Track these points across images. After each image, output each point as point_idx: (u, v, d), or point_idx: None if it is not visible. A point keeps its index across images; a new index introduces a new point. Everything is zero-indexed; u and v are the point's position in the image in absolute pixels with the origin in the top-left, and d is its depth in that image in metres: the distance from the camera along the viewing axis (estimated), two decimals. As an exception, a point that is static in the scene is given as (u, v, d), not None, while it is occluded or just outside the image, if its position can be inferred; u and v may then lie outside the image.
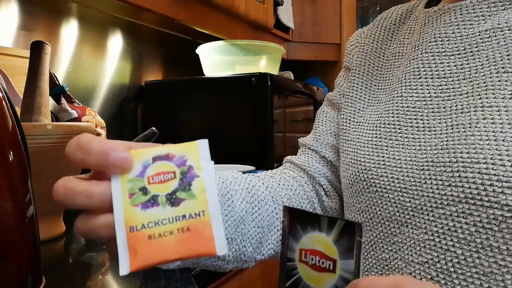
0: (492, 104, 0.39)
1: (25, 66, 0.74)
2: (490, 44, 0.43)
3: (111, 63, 1.25)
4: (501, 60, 0.41)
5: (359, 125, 0.53)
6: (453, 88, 0.44)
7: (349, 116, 0.55)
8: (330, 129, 0.60)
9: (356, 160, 0.50)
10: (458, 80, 0.44)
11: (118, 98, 1.28)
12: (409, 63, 0.49)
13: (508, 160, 0.36)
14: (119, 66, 1.28)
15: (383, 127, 0.48)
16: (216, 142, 1.19)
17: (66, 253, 0.64)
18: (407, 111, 0.46)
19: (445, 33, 0.47)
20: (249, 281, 0.71)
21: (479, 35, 0.44)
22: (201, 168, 0.28)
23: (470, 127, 0.40)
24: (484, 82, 0.41)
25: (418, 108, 0.45)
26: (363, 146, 0.50)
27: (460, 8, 0.46)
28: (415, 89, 0.47)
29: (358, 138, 0.51)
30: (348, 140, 0.53)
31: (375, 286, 0.25)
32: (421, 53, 0.48)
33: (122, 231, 0.27)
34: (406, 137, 0.45)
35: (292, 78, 1.75)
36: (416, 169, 0.42)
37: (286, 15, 1.82)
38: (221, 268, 0.45)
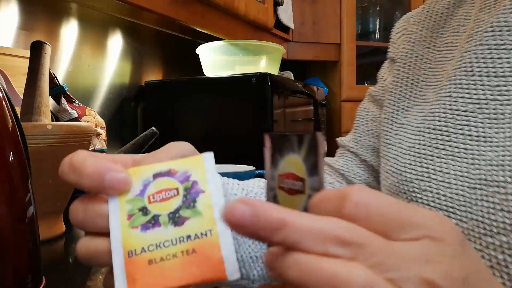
0: None
1: (25, 66, 0.74)
2: None
3: (111, 63, 1.25)
4: None
5: (402, 127, 0.46)
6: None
7: (391, 116, 0.48)
8: (371, 129, 0.54)
9: (397, 168, 0.43)
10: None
11: (118, 98, 1.28)
12: (461, 57, 0.41)
13: None
14: (119, 66, 1.28)
15: (428, 132, 0.41)
16: (216, 142, 1.19)
17: (66, 253, 0.64)
18: (456, 115, 0.39)
19: (504, 21, 0.38)
20: (249, 281, 0.71)
21: None
22: (207, 181, 0.26)
23: None
24: None
25: (471, 112, 0.38)
26: (405, 153, 0.42)
27: None
28: (467, 88, 0.39)
29: (400, 143, 0.44)
30: (389, 144, 0.47)
31: (326, 197, 0.21)
32: (475, 45, 0.40)
33: (119, 256, 0.25)
34: (456, 147, 0.38)
35: (292, 78, 1.75)
36: (468, 187, 0.35)
37: (286, 15, 1.82)
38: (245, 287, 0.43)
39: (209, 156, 0.27)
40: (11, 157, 0.35)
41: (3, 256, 0.34)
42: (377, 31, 2.18)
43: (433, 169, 0.39)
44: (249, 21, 1.45)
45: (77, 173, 0.26)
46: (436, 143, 0.40)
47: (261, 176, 0.73)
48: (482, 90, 0.38)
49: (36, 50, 0.72)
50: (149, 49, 1.40)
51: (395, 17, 2.19)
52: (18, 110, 0.72)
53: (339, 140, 0.57)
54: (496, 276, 0.32)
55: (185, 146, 0.29)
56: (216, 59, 1.33)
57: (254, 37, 1.54)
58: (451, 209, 0.36)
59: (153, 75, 1.42)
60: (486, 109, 0.37)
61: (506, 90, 0.36)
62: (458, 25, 0.45)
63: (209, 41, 1.30)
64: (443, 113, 0.40)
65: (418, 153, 0.41)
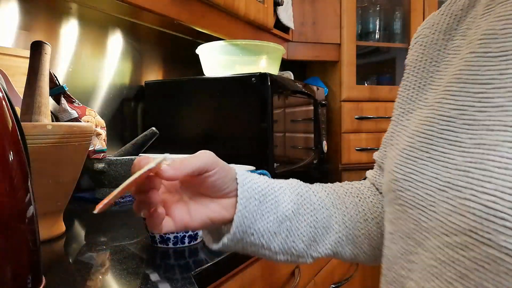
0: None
1: (25, 66, 0.74)
2: None
3: (111, 63, 1.25)
4: None
5: (403, 129, 0.48)
6: (489, 98, 0.36)
7: (397, 118, 0.50)
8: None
9: (390, 168, 0.45)
10: (496, 88, 0.36)
11: (118, 98, 1.28)
12: (458, 63, 0.42)
13: None
14: (119, 66, 1.28)
15: (418, 136, 0.43)
16: (216, 142, 1.19)
17: (66, 253, 0.64)
18: (441, 120, 0.40)
19: (492, 29, 0.39)
20: (249, 281, 0.71)
21: None
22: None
23: (491, 149, 0.34)
24: None
25: (453, 117, 0.39)
26: (398, 154, 0.45)
27: None
28: (453, 95, 0.40)
29: (398, 144, 0.46)
30: (391, 144, 0.49)
31: None
32: (467, 52, 0.41)
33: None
34: (436, 151, 0.39)
35: (292, 78, 1.75)
36: (437, 188, 0.37)
37: (286, 15, 1.82)
38: (271, 258, 0.51)
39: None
40: (11, 157, 0.35)
41: (4, 256, 0.34)
42: (377, 31, 2.18)
43: (415, 170, 0.41)
44: (249, 21, 1.45)
45: None
46: (422, 146, 0.41)
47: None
48: (466, 97, 0.39)
49: (36, 50, 0.72)
50: (149, 49, 1.40)
51: (395, 17, 2.19)
52: (18, 110, 0.72)
53: (373, 155, 0.62)
54: (451, 273, 0.35)
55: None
56: (216, 59, 1.34)
57: (254, 37, 1.54)
58: (423, 208, 0.39)
59: (153, 75, 1.42)
60: (465, 115, 0.38)
61: (485, 97, 0.37)
62: (467, 28, 0.45)
63: (209, 41, 1.30)
64: (432, 117, 0.42)
65: (407, 154, 0.43)
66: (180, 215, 0.45)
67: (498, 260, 0.31)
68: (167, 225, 0.44)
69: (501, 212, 0.31)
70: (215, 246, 0.48)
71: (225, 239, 0.47)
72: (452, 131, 0.38)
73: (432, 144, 0.40)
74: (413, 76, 0.49)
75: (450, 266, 0.35)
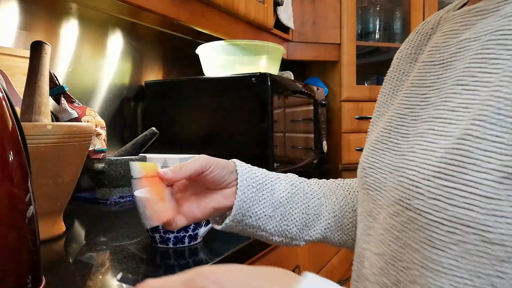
0: (439, 116, 0.41)
1: (25, 66, 0.74)
2: (462, 55, 0.42)
3: (111, 63, 1.25)
4: (460, 71, 0.41)
5: (376, 128, 0.55)
6: (429, 97, 0.45)
7: (374, 120, 0.58)
8: None
9: (362, 160, 0.54)
10: (434, 90, 0.45)
11: (118, 98, 1.28)
12: (415, 71, 0.50)
13: (431, 170, 0.38)
14: (119, 66, 1.28)
15: (382, 132, 0.51)
16: (216, 142, 1.19)
17: (66, 253, 0.64)
18: (398, 117, 0.49)
19: (435, 42, 0.48)
20: (249, 281, 0.72)
21: (458, 44, 0.44)
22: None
23: (420, 136, 0.42)
24: (445, 94, 0.42)
25: (405, 115, 0.48)
26: (368, 147, 0.53)
27: (453, 17, 0.47)
28: (407, 97, 0.49)
29: (369, 140, 0.55)
30: (367, 141, 0.57)
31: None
32: (421, 61, 0.49)
33: None
34: (391, 142, 0.48)
35: (292, 78, 1.75)
36: (389, 172, 0.46)
37: (286, 15, 1.82)
38: (267, 239, 0.59)
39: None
40: (11, 157, 0.35)
41: (3, 256, 0.34)
42: (377, 31, 2.18)
43: (377, 159, 0.50)
44: (249, 21, 1.45)
45: None
46: (383, 139, 0.50)
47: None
48: (415, 97, 0.47)
49: (36, 50, 0.72)
50: (149, 49, 1.40)
51: (395, 17, 2.19)
52: (18, 110, 0.72)
53: None
54: (390, 236, 0.43)
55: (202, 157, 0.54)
56: (216, 59, 1.34)
57: (254, 37, 1.54)
58: (378, 189, 0.48)
59: (153, 75, 1.42)
60: (413, 112, 0.47)
61: (427, 97, 0.45)
62: (434, 43, 0.52)
63: (209, 41, 1.30)
64: (392, 116, 0.50)
65: (374, 147, 0.51)
66: (190, 210, 0.54)
67: (414, 220, 0.38)
68: (180, 221, 0.53)
69: (418, 182, 0.39)
70: (218, 227, 0.58)
71: (227, 220, 0.56)
72: (404, 126, 0.47)
73: (390, 137, 0.49)
74: (389, 84, 0.57)
75: (389, 231, 0.43)
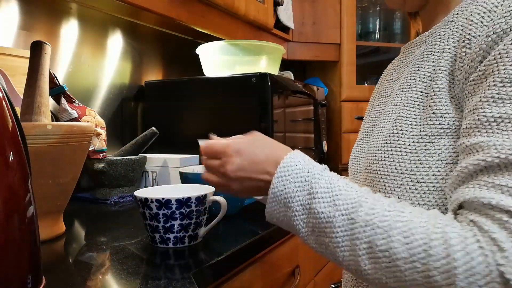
0: (388, 110, 0.62)
1: (25, 66, 0.74)
2: (405, 71, 0.64)
3: (111, 63, 1.25)
4: (401, 81, 0.62)
5: (360, 133, 0.74)
6: (386, 102, 0.67)
7: (364, 121, 0.75)
8: None
9: (350, 156, 0.75)
10: (388, 97, 0.67)
11: (118, 98, 1.28)
12: (381, 88, 0.73)
13: (381, 143, 0.59)
14: (119, 66, 1.28)
15: (362, 133, 0.73)
16: (216, 142, 1.19)
17: (66, 253, 0.64)
18: (367, 117, 0.73)
19: (393, 66, 0.72)
20: (249, 281, 0.71)
21: (404, 66, 0.67)
22: None
23: (378, 126, 0.64)
24: (392, 96, 0.63)
25: (375, 118, 0.69)
26: (354, 146, 0.74)
27: (404, 48, 0.69)
28: (377, 105, 0.70)
29: (356, 141, 0.74)
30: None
31: (212, 145, 0.61)
32: (385, 79, 0.73)
33: None
34: (367, 137, 0.70)
35: (292, 78, 1.75)
36: (362, 153, 0.69)
37: (286, 15, 1.82)
38: None
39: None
40: (11, 157, 0.35)
41: (4, 256, 0.34)
42: (377, 31, 2.18)
43: (355, 151, 0.72)
44: (249, 21, 1.45)
45: None
46: (362, 136, 0.71)
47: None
48: (381, 105, 0.69)
49: (36, 50, 0.72)
50: (149, 49, 1.40)
51: (395, 17, 2.19)
52: (18, 110, 0.72)
53: None
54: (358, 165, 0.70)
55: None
56: (216, 59, 1.33)
57: (254, 37, 1.54)
58: (355, 173, 0.69)
59: (153, 75, 1.42)
60: (372, 112, 0.71)
61: (385, 102, 0.68)
62: (392, 67, 0.74)
63: (209, 41, 1.30)
64: (369, 120, 0.71)
65: (356, 142, 0.73)
66: None
67: (374, 178, 0.58)
68: None
69: (374, 152, 0.59)
70: (256, 197, 0.66)
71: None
72: (374, 125, 0.67)
73: (367, 134, 0.70)
74: (375, 93, 0.76)
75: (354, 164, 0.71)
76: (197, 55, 1.36)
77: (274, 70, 1.38)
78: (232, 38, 1.39)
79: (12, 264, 0.35)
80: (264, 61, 1.36)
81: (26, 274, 0.37)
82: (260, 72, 1.13)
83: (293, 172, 0.52)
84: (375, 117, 0.69)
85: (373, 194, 0.50)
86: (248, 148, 0.57)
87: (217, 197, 0.67)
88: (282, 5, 1.69)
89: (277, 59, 1.39)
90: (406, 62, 0.67)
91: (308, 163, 0.53)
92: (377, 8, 2.19)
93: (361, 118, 2.00)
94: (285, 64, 1.96)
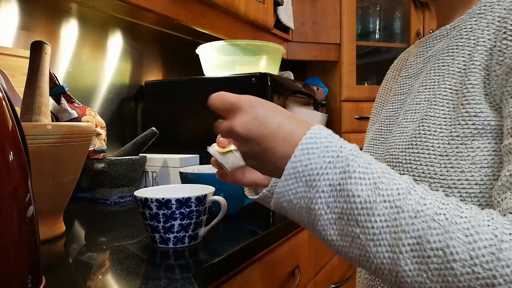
0: (409, 109, 0.58)
1: (25, 66, 0.74)
2: (425, 67, 0.61)
3: (111, 63, 1.25)
4: (423, 77, 0.59)
5: (370, 131, 0.73)
6: (405, 100, 0.63)
7: (369, 126, 0.75)
8: None
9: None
10: (408, 94, 0.63)
11: (118, 98, 1.28)
12: (396, 85, 0.69)
13: (405, 144, 0.55)
14: (119, 66, 1.28)
15: (375, 132, 0.69)
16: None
17: (66, 253, 0.64)
18: (386, 119, 0.68)
19: (408, 61, 0.67)
20: (249, 281, 0.71)
21: (423, 61, 0.63)
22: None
23: (398, 125, 0.60)
24: (413, 94, 0.59)
25: (390, 117, 0.66)
26: (366, 145, 0.73)
27: (419, 43, 0.66)
28: (392, 103, 0.67)
29: (367, 140, 0.73)
30: (365, 142, 0.75)
31: (224, 96, 0.53)
32: (399, 77, 0.68)
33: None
34: (382, 137, 0.67)
35: (292, 78, 1.75)
36: (380, 156, 0.64)
37: (286, 15, 1.82)
38: None
39: None
40: (11, 157, 0.35)
41: (3, 256, 0.34)
42: (377, 31, 2.18)
43: (372, 152, 0.68)
44: (249, 21, 1.45)
45: None
46: (377, 136, 0.68)
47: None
48: (397, 102, 0.66)
49: (36, 50, 0.72)
50: (149, 49, 1.40)
51: (395, 17, 2.19)
52: (18, 110, 0.72)
53: None
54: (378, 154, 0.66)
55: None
56: (216, 59, 1.33)
57: (254, 37, 1.54)
58: (371, 151, 0.68)
59: (153, 75, 1.42)
60: (396, 113, 0.65)
61: (404, 100, 0.64)
62: (407, 62, 0.71)
63: (209, 41, 1.30)
64: (382, 120, 0.68)
65: (369, 143, 0.70)
66: (238, 175, 0.60)
67: (391, 159, 0.56)
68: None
69: (396, 154, 0.55)
70: (250, 196, 0.66)
71: (264, 190, 0.62)
72: (390, 124, 0.66)
73: (374, 133, 0.69)
74: (379, 99, 0.76)
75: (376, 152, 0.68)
76: (197, 55, 1.36)
77: (274, 70, 1.38)
78: (232, 38, 1.39)
79: (12, 264, 0.35)
80: (264, 61, 1.36)
81: (26, 274, 0.37)
82: (260, 72, 1.13)
83: (323, 145, 0.42)
84: (390, 116, 0.65)
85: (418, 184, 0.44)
86: (266, 107, 0.47)
87: (217, 197, 0.67)
88: (282, 5, 1.69)
89: (277, 59, 1.39)
90: (425, 57, 0.63)
91: (339, 138, 0.44)
92: (377, 8, 2.19)
93: (361, 118, 2.00)
94: (285, 64, 1.96)
